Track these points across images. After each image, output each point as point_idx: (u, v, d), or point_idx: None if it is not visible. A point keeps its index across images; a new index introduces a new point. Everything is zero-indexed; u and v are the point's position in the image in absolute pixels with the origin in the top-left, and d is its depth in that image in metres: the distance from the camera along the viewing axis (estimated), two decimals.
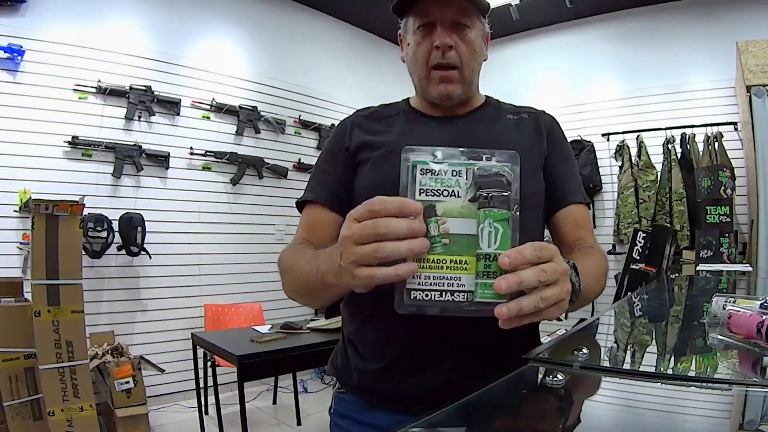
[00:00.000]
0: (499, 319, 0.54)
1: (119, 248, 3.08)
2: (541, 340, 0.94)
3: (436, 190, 0.55)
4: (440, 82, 0.88)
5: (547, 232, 0.97)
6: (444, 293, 0.55)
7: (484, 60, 0.95)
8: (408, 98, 1.01)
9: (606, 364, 0.76)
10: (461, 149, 0.57)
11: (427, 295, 0.55)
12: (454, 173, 0.56)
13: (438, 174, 0.56)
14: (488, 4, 0.90)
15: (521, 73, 4.79)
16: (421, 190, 0.55)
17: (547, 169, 0.92)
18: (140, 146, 3.23)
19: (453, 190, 0.55)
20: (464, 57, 0.87)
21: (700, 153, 3.78)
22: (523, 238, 0.56)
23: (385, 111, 0.99)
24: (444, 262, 0.54)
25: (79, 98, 3.03)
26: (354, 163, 0.93)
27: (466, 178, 0.56)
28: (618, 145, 4.18)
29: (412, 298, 0.55)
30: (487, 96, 1.01)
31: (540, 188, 0.91)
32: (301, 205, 0.96)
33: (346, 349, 0.94)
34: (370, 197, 0.86)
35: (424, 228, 0.53)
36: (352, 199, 0.91)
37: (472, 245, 0.54)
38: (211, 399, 2.84)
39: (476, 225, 0.55)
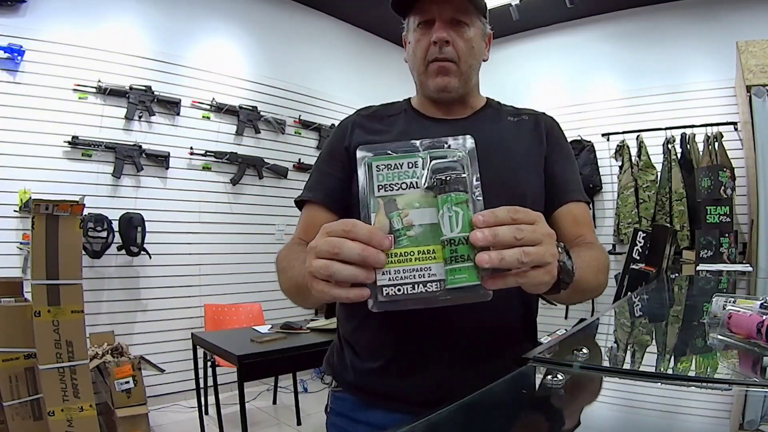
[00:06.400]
0: (483, 274, 0.53)
1: (119, 248, 3.08)
2: (541, 340, 0.93)
3: (395, 184, 0.55)
4: (437, 75, 0.88)
5: None
6: (416, 285, 0.53)
7: (485, 60, 0.95)
8: (410, 98, 1.01)
9: (606, 364, 0.76)
10: (416, 141, 0.57)
11: (399, 290, 0.53)
12: (410, 165, 0.56)
13: (394, 168, 0.56)
14: (485, 4, 0.90)
15: (521, 74, 4.78)
16: (380, 186, 0.55)
17: (547, 168, 0.92)
18: (140, 146, 3.23)
19: (411, 182, 0.55)
20: (461, 53, 0.87)
21: (700, 153, 3.77)
22: None
23: (387, 110, 0.99)
24: (412, 254, 0.53)
25: (79, 98, 3.03)
26: (353, 162, 0.93)
27: (423, 168, 0.55)
28: (618, 145, 4.17)
29: (384, 294, 0.53)
30: (488, 98, 1.01)
31: (541, 189, 0.91)
32: (300, 203, 0.97)
33: (342, 348, 0.95)
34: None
35: (379, 259, 0.52)
36: (351, 198, 0.91)
37: (438, 233, 0.53)
38: (211, 399, 2.84)
39: (437, 213, 0.54)
